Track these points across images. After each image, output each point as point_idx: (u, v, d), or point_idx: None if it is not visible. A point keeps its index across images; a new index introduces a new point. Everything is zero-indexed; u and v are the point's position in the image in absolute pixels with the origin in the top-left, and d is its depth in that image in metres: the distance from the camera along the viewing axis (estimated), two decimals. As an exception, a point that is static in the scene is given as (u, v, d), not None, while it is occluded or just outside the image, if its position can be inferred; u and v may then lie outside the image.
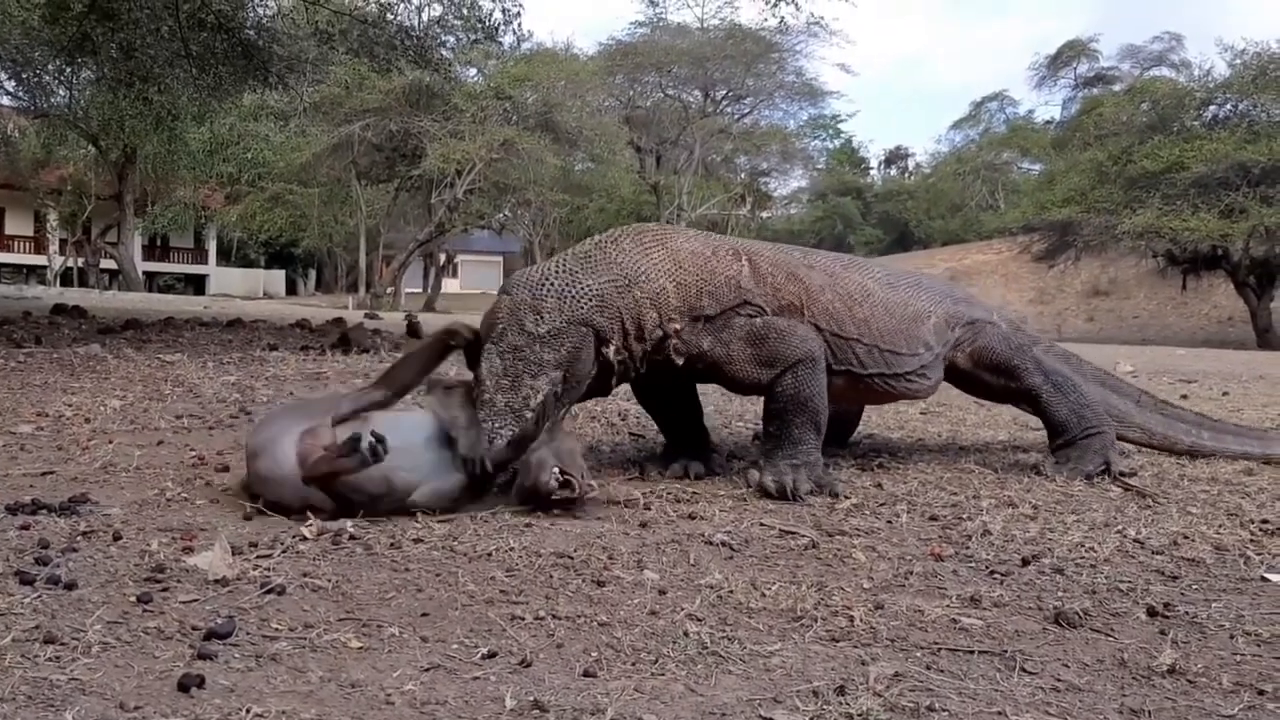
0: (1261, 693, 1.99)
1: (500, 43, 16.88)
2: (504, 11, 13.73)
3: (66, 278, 39.28)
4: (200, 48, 13.16)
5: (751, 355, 3.82)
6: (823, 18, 36.09)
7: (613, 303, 3.58)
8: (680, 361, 3.77)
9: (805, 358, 3.80)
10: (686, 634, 2.17)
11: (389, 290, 35.42)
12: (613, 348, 3.56)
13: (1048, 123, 56.12)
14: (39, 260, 41.67)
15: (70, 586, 2.25)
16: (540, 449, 3.28)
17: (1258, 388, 10.04)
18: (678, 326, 3.73)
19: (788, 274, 4.09)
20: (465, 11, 14.70)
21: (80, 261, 40.55)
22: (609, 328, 3.55)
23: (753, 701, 1.85)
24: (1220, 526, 3.42)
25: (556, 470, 3.18)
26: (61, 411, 4.77)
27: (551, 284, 3.53)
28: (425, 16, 14.76)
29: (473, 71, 32.79)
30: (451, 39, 17.58)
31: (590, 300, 3.52)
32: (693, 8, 49.99)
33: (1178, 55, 46.70)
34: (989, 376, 4.59)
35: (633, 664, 2.01)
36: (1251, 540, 3.25)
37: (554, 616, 2.26)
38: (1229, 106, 29.87)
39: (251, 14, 14.19)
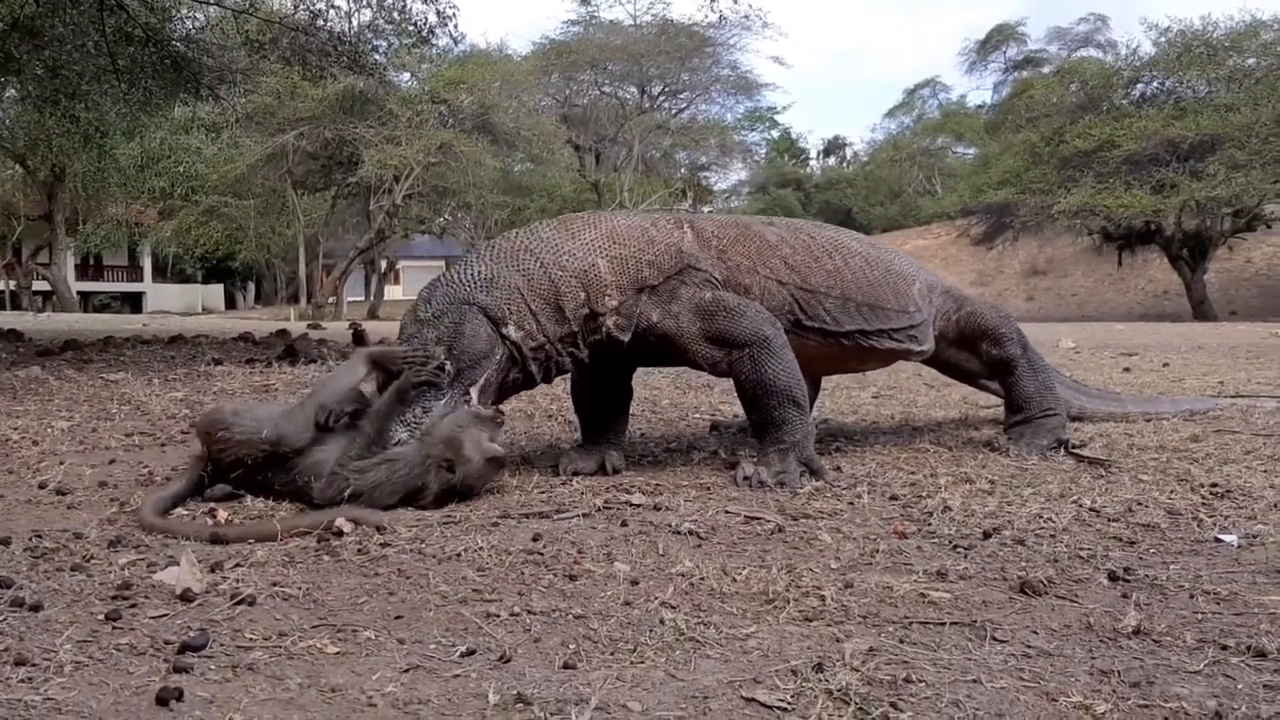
0: (1224, 648, 2.04)
1: (435, 45, 16.72)
2: (438, 14, 13.59)
3: (-2, 301, 38.53)
4: (128, 62, 12.91)
5: (701, 330, 3.76)
6: (759, 9, 36.38)
7: (508, 282, 3.61)
8: (626, 338, 3.75)
9: (757, 340, 3.72)
10: (662, 621, 2.18)
11: (330, 300, 35.09)
12: (512, 327, 3.57)
13: (980, 107, 57.10)
14: (-32, 285, 40.84)
15: (36, 608, 2.21)
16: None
17: (1196, 358, 10.27)
18: (615, 303, 3.73)
19: (736, 235, 4.06)
20: (397, 16, 14.55)
21: (12, 284, 39.77)
22: (499, 307, 3.57)
23: (733, 683, 1.87)
24: (1172, 492, 3.51)
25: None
26: (8, 435, 4.67)
27: (445, 276, 3.67)
28: (356, 22, 14.60)
29: (406, 76, 32.55)
30: (384, 44, 17.41)
31: (476, 283, 3.59)
32: (625, 4, 50.09)
33: (1104, 35, 47.93)
34: (975, 342, 4.60)
35: (611, 654, 2.02)
36: (1203, 503, 3.34)
37: (529, 612, 2.25)
38: (1156, 84, 30.56)
39: (179, 26, 13.97)
